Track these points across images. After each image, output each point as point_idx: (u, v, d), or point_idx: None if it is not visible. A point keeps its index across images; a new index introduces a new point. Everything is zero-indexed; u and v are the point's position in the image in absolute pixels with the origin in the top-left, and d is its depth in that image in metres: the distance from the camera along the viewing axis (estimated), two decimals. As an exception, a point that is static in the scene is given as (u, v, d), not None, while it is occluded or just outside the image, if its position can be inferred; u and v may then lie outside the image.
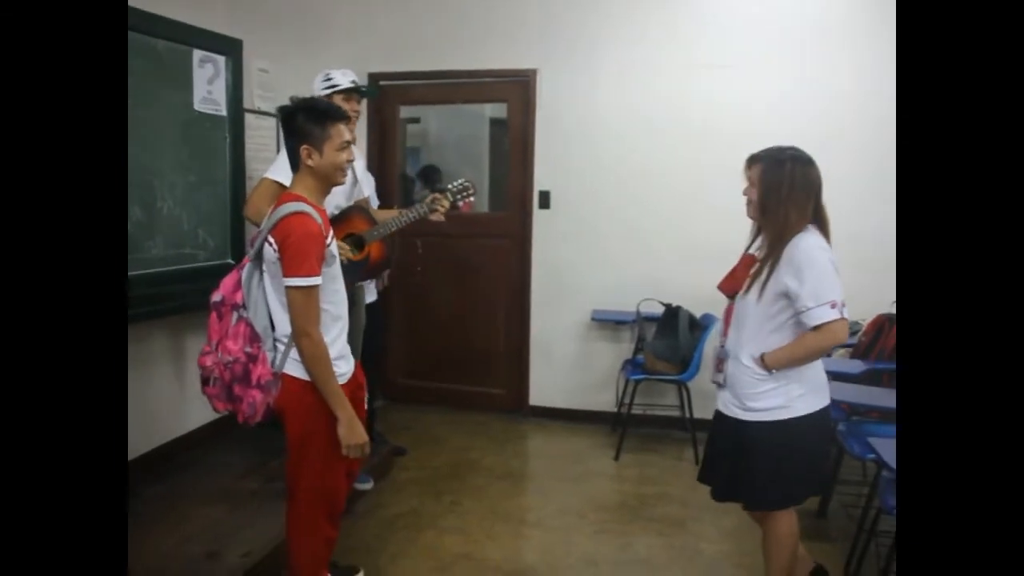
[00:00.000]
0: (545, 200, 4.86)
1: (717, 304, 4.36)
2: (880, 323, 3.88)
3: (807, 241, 2.32)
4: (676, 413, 4.71)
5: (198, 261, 3.71)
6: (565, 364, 4.98)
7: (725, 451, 2.57)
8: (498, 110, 5.63)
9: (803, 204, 2.35)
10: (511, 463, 4.36)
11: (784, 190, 2.34)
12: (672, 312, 4.41)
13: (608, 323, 4.82)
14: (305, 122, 2.31)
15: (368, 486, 3.68)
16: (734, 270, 2.53)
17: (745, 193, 2.48)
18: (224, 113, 3.90)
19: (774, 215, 2.37)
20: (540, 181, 4.87)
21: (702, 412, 4.46)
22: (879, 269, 4.13)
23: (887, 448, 2.36)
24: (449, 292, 5.14)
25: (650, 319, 4.55)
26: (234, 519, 3.20)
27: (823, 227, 2.41)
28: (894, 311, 3.91)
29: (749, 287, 2.43)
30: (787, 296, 2.33)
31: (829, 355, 2.55)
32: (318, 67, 4.61)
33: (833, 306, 2.26)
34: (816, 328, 2.28)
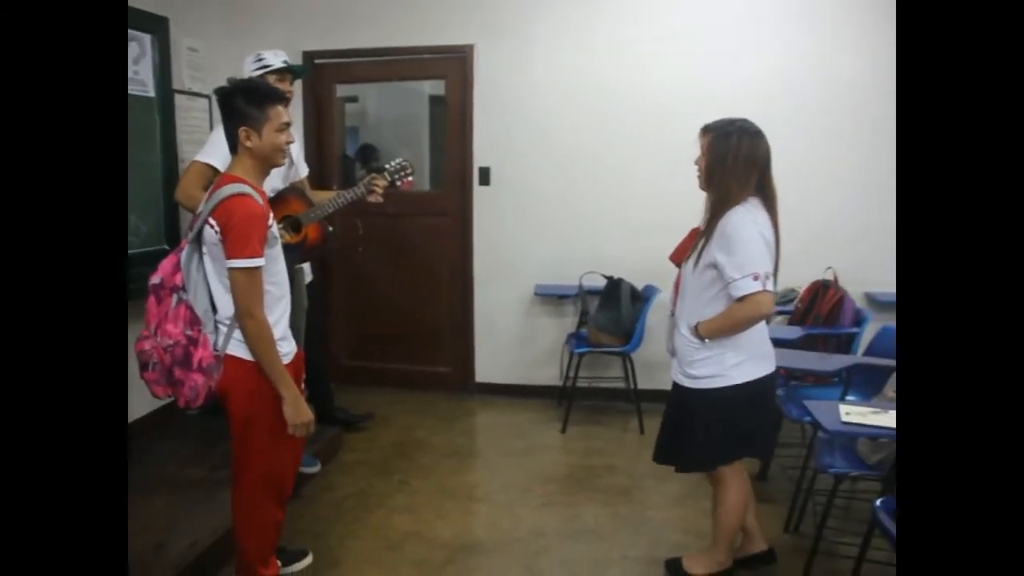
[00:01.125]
0: (485, 177, 4.86)
1: (659, 275, 4.50)
2: (815, 289, 4.00)
3: (738, 214, 2.37)
4: (621, 385, 4.78)
5: (131, 248, 3.62)
6: (510, 340, 5.01)
7: (669, 416, 2.66)
8: (437, 87, 5.58)
9: (745, 176, 2.39)
10: (458, 440, 4.37)
11: (728, 161, 2.39)
12: (614, 284, 4.47)
13: (551, 297, 4.85)
14: (244, 104, 2.27)
15: (315, 469, 3.67)
16: (683, 241, 2.58)
17: (696, 163, 2.51)
18: (152, 94, 3.80)
19: (716, 186, 2.42)
20: (480, 158, 4.86)
21: (646, 383, 4.57)
22: (813, 235, 4.28)
23: (821, 410, 2.45)
24: (392, 271, 5.11)
25: (593, 292, 4.60)
26: (179, 509, 3.14)
27: (769, 200, 2.44)
28: (829, 277, 4.04)
29: (688, 257, 2.48)
30: (716, 267, 2.39)
31: (768, 322, 2.61)
32: (251, 45, 4.51)
33: (756, 278, 2.31)
34: (740, 299, 2.34)
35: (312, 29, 4.93)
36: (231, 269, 2.22)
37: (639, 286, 4.50)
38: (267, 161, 2.34)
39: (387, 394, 5.06)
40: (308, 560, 2.95)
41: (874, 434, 2.43)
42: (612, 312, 4.36)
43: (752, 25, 4.51)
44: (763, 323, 2.47)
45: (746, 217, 2.37)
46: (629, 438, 4.36)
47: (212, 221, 2.23)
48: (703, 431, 2.51)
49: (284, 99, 2.37)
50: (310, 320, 3.63)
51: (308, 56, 4.95)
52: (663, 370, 4.64)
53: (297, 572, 2.90)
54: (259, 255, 2.23)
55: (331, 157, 5.18)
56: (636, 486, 3.71)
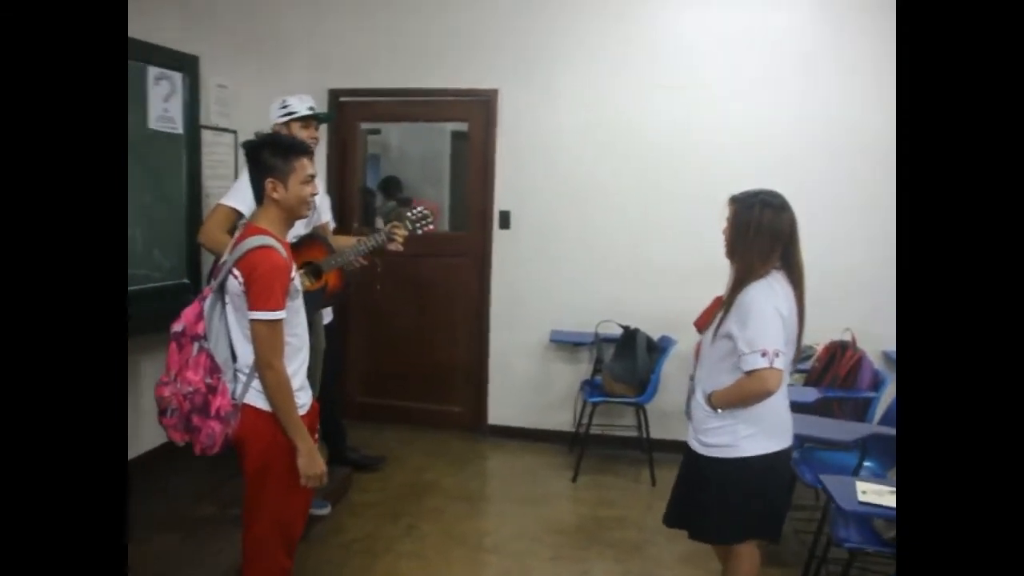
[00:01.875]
0: (505, 220, 4.88)
1: (675, 327, 4.49)
2: (833, 350, 3.98)
3: (757, 289, 2.37)
4: (634, 434, 4.76)
5: (152, 282, 3.65)
6: (524, 383, 5.00)
7: (683, 479, 2.65)
8: (460, 123, 5.63)
9: (767, 249, 2.39)
10: (469, 484, 4.36)
11: (751, 234, 2.39)
12: (630, 334, 4.46)
13: (566, 344, 4.85)
14: (270, 156, 2.31)
15: (325, 511, 3.66)
16: (707, 308, 2.58)
17: (723, 232, 2.51)
18: (180, 131, 3.85)
19: (739, 257, 2.42)
20: (500, 201, 4.89)
21: (659, 433, 4.55)
22: (832, 291, 4.25)
23: (837, 486, 2.42)
24: (409, 310, 5.13)
25: (609, 340, 4.59)
26: (188, 547, 3.14)
27: (794, 274, 2.44)
28: (847, 338, 4.02)
29: (708, 326, 2.48)
30: (731, 339, 2.39)
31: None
32: (278, 81, 4.62)
33: (764, 355, 2.30)
34: (748, 374, 2.34)
35: (338, 67, 5.00)
36: (253, 321, 2.24)
37: (655, 336, 4.49)
38: (292, 212, 2.37)
39: (400, 432, 5.06)
40: (315, 607, 2.94)
41: (891, 516, 2.40)
42: (627, 362, 4.35)
43: (775, 75, 4.54)
44: (782, 396, 2.45)
45: (764, 292, 2.36)
46: (641, 489, 4.32)
47: (236, 272, 2.25)
48: (716, 502, 2.48)
49: (309, 152, 2.40)
50: (327, 360, 3.64)
51: (333, 94, 5.01)
52: (676, 420, 4.66)
53: (303, 619, 2.90)
54: (281, 308, 2.25)
55: (352, 193, 5.22)
56: (647, 541, 3.68)
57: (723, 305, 2.45)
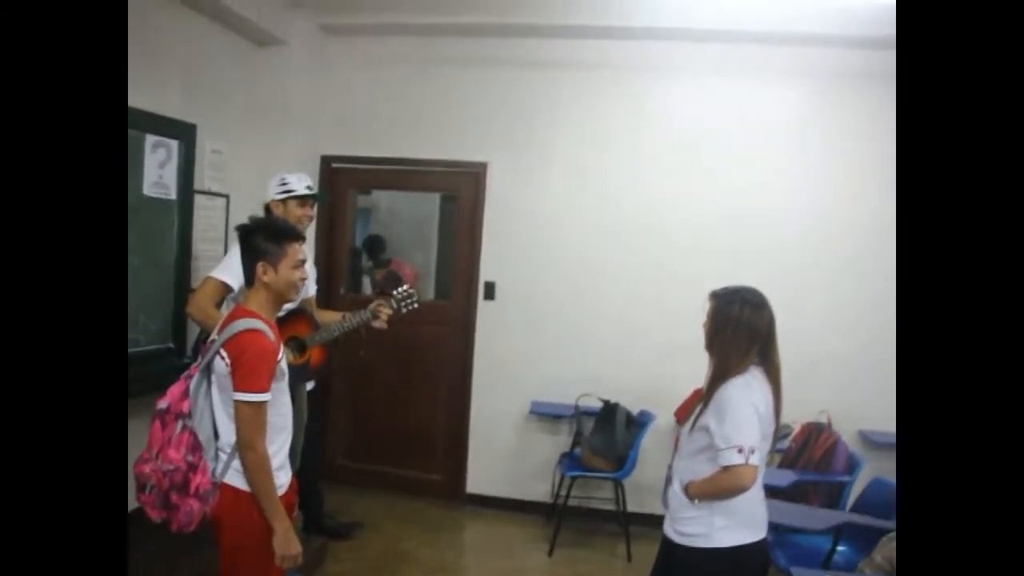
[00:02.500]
0: (490, 291, 4.95)
1: (655, 402, 4.54)
2: (808, 431, 4.03)
3: (735, 386, 2.42)
4: (611, 507, 4.75)
5: (138, 346, 3.66)
6: (503, 453, 5.01)
7: (660, 569, 2.66)
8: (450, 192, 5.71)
9: (744, 347, 2.45)
10: (445, 555, 4.34)
11: (729, 331, 2.45)
12: (610, 408, 4.49)
13: (547, 415, 4.88)
14: (263, 241, 2.37)
15: (300, 584, 3.63)
16: (687, 400, 2.63)
17: (704, 326, 2.57)
18: (174, 197, 3.91)
19: (717, 353, 2.48)
20: (486, 271, 4.96)
21: (636, 507, 4.56)
22: (807, 370, 4.31)
23: (811, 578, 2.46)
24: (392, 376, 5.15)
25: (589, 413, 4.62)
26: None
27: (771, 370, 2.49)
28: (823, 419, 4.08)
29: (687, 418, 2.54)
30: (708, 433, 2.43)
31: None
32: (272, 147, 4.71)
33: (740, 451, 2.35)
34: (724, 469, 2.39)
35: (331, 135, 5.11)
36: (237, 402, 2.27)
37: (635, 411, 4.53)
38: (281, 296, 2.43)
39: (378, 497, 5.04)
40: None
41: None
42: (606, 436, 4.38)
43: (763, 152, 4.67)
44: (757, 489, 2.49)
45: (742, 389, 2.42)
46: (616, 564, 4.32)
47: (224, 353, 2.30)
48: None
49: (301, 238, 2.47)
50: (308, 425, 3.64)
51: (325, 160, 5.11)
52: (654, 495, 4.68)
53: None
54: (267, 390, 2.28)
55: (341, 256, 5.28)
56: (621, 621, 3.67)
57: (701, 398, 2.50)
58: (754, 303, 2.47)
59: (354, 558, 4.15)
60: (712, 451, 2.43)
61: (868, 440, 4.44)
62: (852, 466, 3.79)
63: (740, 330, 2.44)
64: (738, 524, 2.47)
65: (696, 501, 2.46)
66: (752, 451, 2.35)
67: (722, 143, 4.71)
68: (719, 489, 2.42)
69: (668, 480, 2.65)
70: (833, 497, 3.71)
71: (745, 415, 2.38)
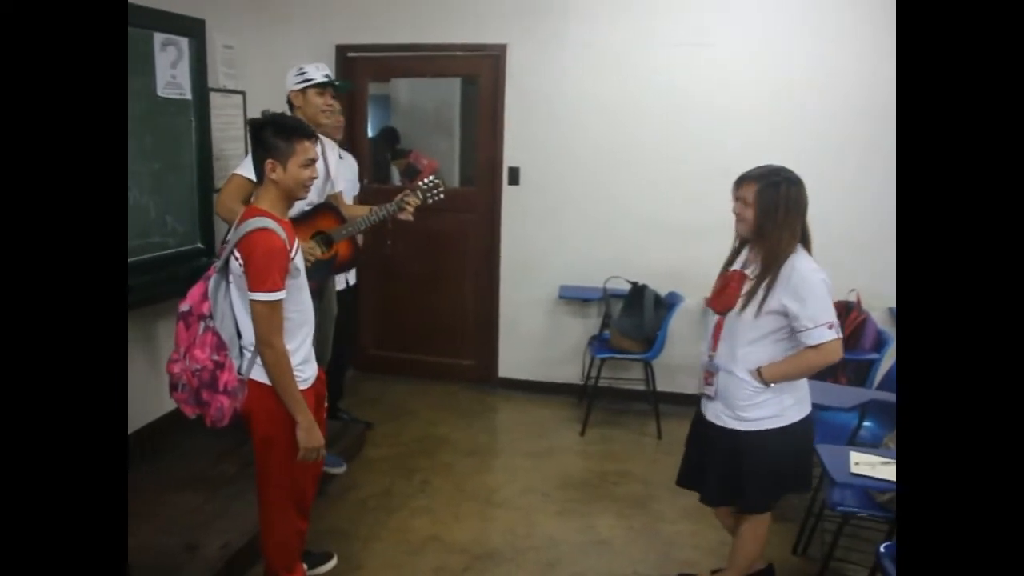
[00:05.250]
0: (514, 176, 4.89)
1: (683, 282, 4.53)
2: (838, 310, 3.96)
3: (803, 264, 2.42)
4: (641, 387, 4.83)
5: (167, 248, 3.71)
6: (533, 338, 5.08)
7: (716, 459, 2.66)
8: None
9: (795, 226, 2.44)
10: (479, 438, 4.47)
11: (780, 213, 2.41)
12: (638, 290, 4.49)
13: (575, 299, 4.90)
14: (272, 136, 2.34)
15: (341, 470, 3.77)
16: (725, 287, 2.58)
17: (735, 212, 2.52)
18: (189, 96, 3.86)
19: (769, 237, 2.44)
20: (509, 157, 4.89)
21: (665, 386, 4.64)
22: (837, 247, 4.22)
23: (831, 457, 2.49)
24: (419, 265, 5.19)
25: (617, 296, 4.63)
26: (211, 507, 3.27)
27: (807, 245, 2.49)
28: (852, 299, 4.03)
29: (745, 305, 2.49)
30: (784, 315, 2.43)
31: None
32: (284, 40, 4.61)
33: (831, 327, 2.38)
34: (815, 347, 2.40)
35: (344, 24, 4.97)
36: (252, 301, 2.30)
37: (663, 292, 4.53)
38: (290, 194, 2.41)
39: (410, 384, 5.18)
40: (333, 563, 3.10)
41: (882, 487, 2.47)
42: (635, 318, 4.40)
43: (784, 34, 4.46)
44: None
45: (811, 266, 2.42)
46: (647, 442, 4.42)
47: (237, 253, 2.32)
48: (765, 470, 2.56)
49: (313, 135, 2.43)
50: (340, 322, 3.71)
51: (340, 50, 4.99)
52: (683, 374, 4.77)
53: (322, 575, 3.05)
54: (280, 288, 2.30)
55: (363, 148, 5.22)
56: (651, 496, 3.78)
57: (759, 282, 2.45)
58: (797, 180, 2.45)
59: (392, 443, 4.30)
60: (782, 332, 2.46)
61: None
62: (880, 344, 3.77)
63: (791, 209, 2.41)
64: (800, 400, 2.55)
65: (772, 384, 2.48)
66: (838, 324, 2.40)
67: (744, 24, 4.50)
68: (808, 367, 2.46)
69: (709, 372, 2.64)
70: (861, 374, 3.71)
71: (823, 291, 2.40)
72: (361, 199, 4.36)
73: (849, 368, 3.77)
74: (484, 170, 5.02)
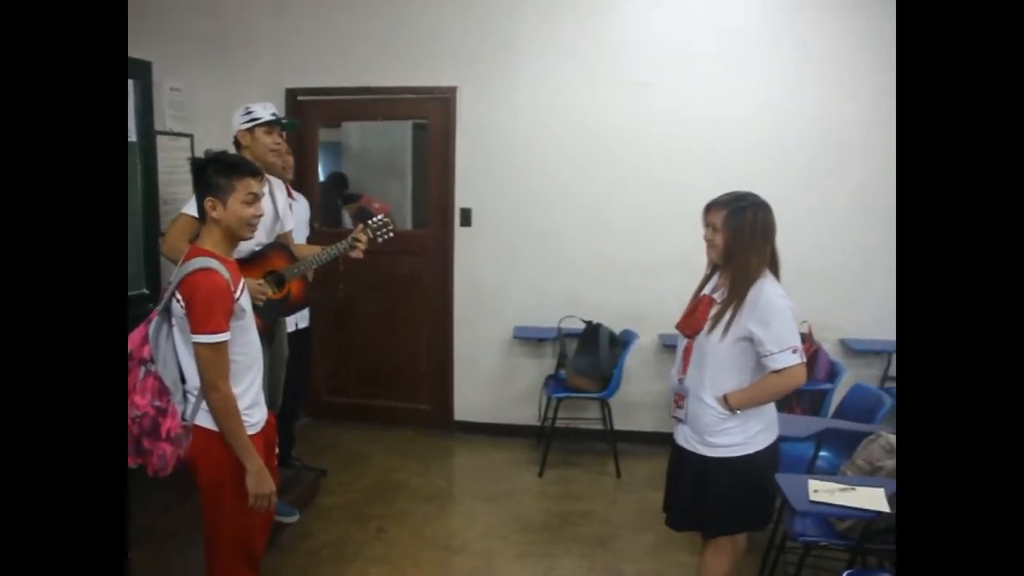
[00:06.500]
0: (466, 217, 4.88)
1: (637, 321, 4.54)
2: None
3: (769, 289, 2.42)
4: (598, 426, 4.80)
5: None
6: (489, 379, 5.03)
7: (684, 483, 2.65)
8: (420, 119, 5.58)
9: (763, 249, 2.45)
10: (436, 482, 4.38)
11: (747, 236, 2.43)
12: (592, 329, 4.49)
13: (530, 339, 4.87)
14: (213, 174, 2.29)
15: (293, 519, 3.65)
16: (694, 311, 2.58)
17: (706, 239, 2.54)
18: (134, 139, 3.79)
19: (736, 260, 2.45)
20: (461, 198, 4.89)
21: (623, 425, 4.61)
22: (787, 280, 4.28)
23: (790, 485, 2.47)
24: (372, 308, 5.13)
25: (571, 335, 4.62)
26: (155, 561, 3.12)
27: (775, 269, 2.51)
28: (804, 330, 4.06)
29: (711, 328, 2.49)
30: (750, 340, 2.43)
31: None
32: (233, 83, 4.57)
33: (794, 351, 2.38)
34: (778, 371, 2.40)
35: (294, 67, 4.96)
36: (196, 344, 2.23)
37: (617, 331, 4.52)
38: (233, 233, 2.34)
39: (366, 430, 5.07)
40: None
41: (841, 514, 2.47)
42: (590, 356, 4.38)
43: (732, 70, 4.55)
44: None
45: (776, 290, 2.43)
46: (606, 482, 4.37)
47: (178, 295, 2.24)
48: (729, 497, 2.53)
49: (257, 172, 2.38)
50: (290, 367, 3.62)
51: (291, 93, 4.97)
52: (640, 411, 4.75)
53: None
54: (224, 329, 2.23)
55: (312, 191, 5.17)
56: (612, 535, 3.73)
57: (726, 306, 2.46)
58: (762, 204, 2.47)
59: (346, 490, 4.19)
60: (747, 357, 2.45)
61: (849, 348, 4.46)
62: (833, 374, 3.81)
63: (757, 233, 2.43)
64: (767, 427, 2.54)
65: (738, 411, 2.47)
66: (801, 349, 2.40)
67: (693, 61, 4.59)
68: (771, 393, 2.46)
69: (680, 395, 2.62)
70: (815, 404, 3.73)
71: (788, 315, 2.41)
72: (312, 242, 4.29)
73: (804, 398, 3.79)
74: (436, 211, 5.01)
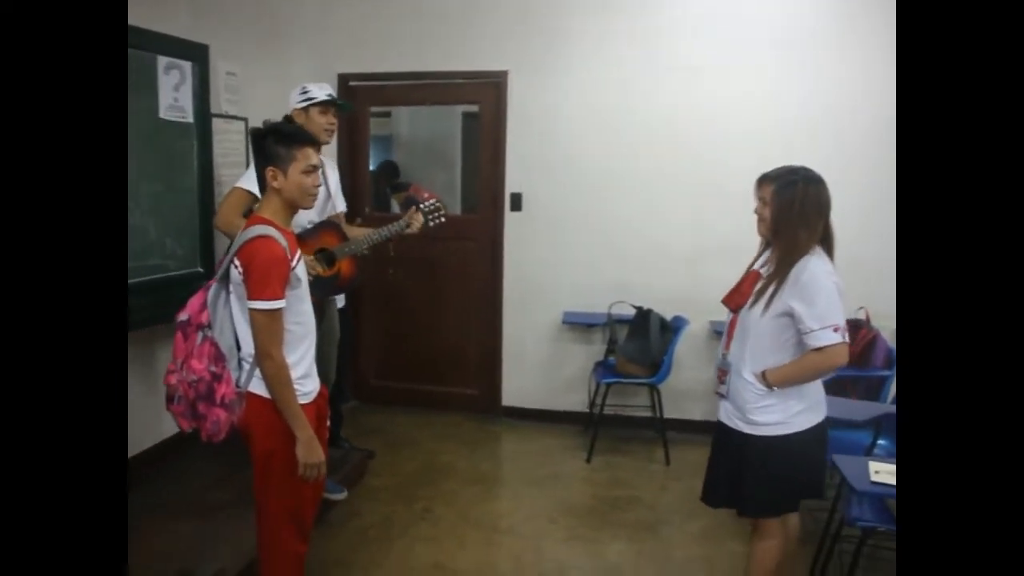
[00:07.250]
0: (516, 202, 4.87)
1: (687, 307, 4.48)
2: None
3: (815, 265, 2.36)
4: (647, 413, 4.75)
5: (166, 271, 3.67)
6: (537, 365, 5.00)
7: (725, 459, 2.62)
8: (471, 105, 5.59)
9: (813, 224, 2.38)
10: (483, 466, 4.38)
11: (796, 210, 2.37)
12: (643, 314, 4.44)
13: (579, 325, 4.84)
14: (273, 144, 2.31)
15: (342, 496, 3.67)
16: (740, 285, 2.54)
17: (756, 212, 2.50)
18: (191, 120, 3.85)
19: (785, 235, 2.40)
20: (511, 183, 4.87)
21: (673, 412, 4.55)
22: (846, 268, 4.15)
23: (850, 466, 2.41)
24: (421, 293, 5.14)
25: (621, 321, 4.58)
26: (206, 533, 3.18)
27: (829, 246, 2.45)
28: (861, 316, 3.97)
29: (754, 303, 2.45)
30: (791, 316, 2.37)
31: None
32: (286, 67, 4.63)
33: (836, 329, 2.31)
34: (818, 349, 2.33)
35: (347, 53, 4.99)
36: (251, 310, 2.25)
37: (668, 317, 4.47)
38: (293, 202, 2.36)
39: (414, 415, 5.09)
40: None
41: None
42: (640, 342, 4.34)
43: (786, 55, 4.46)
44: None
45: (824, 267, 2.36)
46: (654, 469, 4.32)
47: (237, 262, 2.27)
48: (767, 476, 2.48)
49: (314, 143, 2.40)
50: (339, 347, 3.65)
51: (343, 78, 5.01)
52: (690, 400, 4.69)
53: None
54: (279, 297, 2.25)
55: (363, 177, 5.21)
56: (661, 521, 3.68)
57: (770, 281, 2.41)
58: (816, 179, 2.40)
59: (393, 473, 4.21)
60: (789, 334, 2.39)
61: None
62: (891, 362, 3.70)
63: (807, 207, 2.37)
64: (810, 407, 2.46)
65: (775, 388, 2.42)
66: (845, 328, 2.33)
67: (747, 47, 4.50)
68: (811, 371, 2.39)
69: (724, 371, 2.58)
70: (872, 392, 3.64)
71: (833, 293, 2.34)
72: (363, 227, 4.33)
73: (860, 386, 3.70)
74: (486, 197, 5.00)
